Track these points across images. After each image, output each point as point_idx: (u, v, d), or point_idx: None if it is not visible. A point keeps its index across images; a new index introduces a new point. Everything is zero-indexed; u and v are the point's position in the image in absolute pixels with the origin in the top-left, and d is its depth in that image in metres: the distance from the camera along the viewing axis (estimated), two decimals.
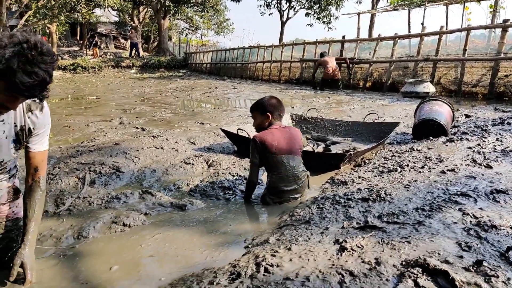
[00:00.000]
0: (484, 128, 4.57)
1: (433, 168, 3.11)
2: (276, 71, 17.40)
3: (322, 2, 27.20)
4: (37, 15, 20.55)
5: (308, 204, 2.72)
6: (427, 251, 1.66)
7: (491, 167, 2.96)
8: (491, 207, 2.18)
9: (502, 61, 9.03)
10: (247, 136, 4.27)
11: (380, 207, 2.36)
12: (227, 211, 2.84)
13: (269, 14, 31.64)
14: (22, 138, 1.81)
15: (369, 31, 23.99)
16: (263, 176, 3.41)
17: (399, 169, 3.27)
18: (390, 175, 3.18)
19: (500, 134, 4.16)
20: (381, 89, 11.75)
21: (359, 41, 14.38)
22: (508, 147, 3.54)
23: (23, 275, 1.77)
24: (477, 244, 1.71)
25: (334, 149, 4.56)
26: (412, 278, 1.45)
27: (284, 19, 30.27)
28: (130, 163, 3.86)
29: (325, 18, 28.17)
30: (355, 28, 23.38)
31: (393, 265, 1.57)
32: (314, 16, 28.45)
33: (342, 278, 1.51)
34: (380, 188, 2.72)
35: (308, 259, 1.70)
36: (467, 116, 6.00)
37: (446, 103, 4.72)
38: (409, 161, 3.46)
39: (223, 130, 4.77)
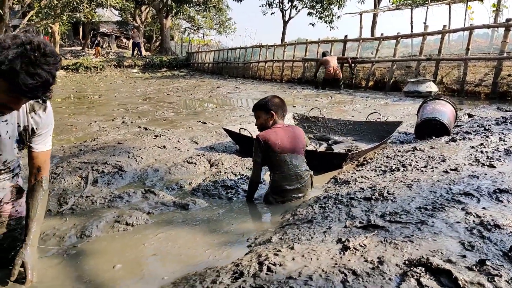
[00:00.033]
0: (487, 128, 4.56)
1: (436, 167, 3.11)
2: (278, 70, 17.39)
3: (324, 2, 27.16)
4: (40, 14, 20.58)
5: (310, 203, 2.72)
6: (430, 251, 1.65)
7: (494, 167, 2.96)
8: (494, 207, 2.18)
9: (505, 61, 9.00)
10: (250, 135, 4.28)
11: (382, 207, 2.36)
12: (229, 210, 2.84)
13: (271, 14, 31.67)
14: (25, 138, 1.81)
15: (371, 30, 23.96)
16: (265, 175, 3.41)
17: (401, 169, 3.27)
18: (392, 174, 3.18)
19: (503, 133, 4.15)
20: (383, 89, 11.73)
21: (361, 41, 14.36)
22: (511, 146, 3.53)
23: (24, 275, 1.78)
24: (480, 244, 1.70)
25: (337, 149, 4.56)
26: (415, 277, 1.45)
27: (286, 19, 30.25)
28: (133, 163, 3.87)
29: (327, 17, 28.14)
30: (357, 28, 23.34)
31: (396, 264, 1.57)
32: (316, 16, 28.42)
33: (345, 277, 1.51)
34: (382, 187, 2.72)
35: (311, 258, 1.70)
36: (469, 115, 5.98)
37: (449, 103, 4.71)
38: (411, 160, 3.45)
39: (225, 130, 4.78)
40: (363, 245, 1.77)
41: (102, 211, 2.74)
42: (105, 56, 28.25)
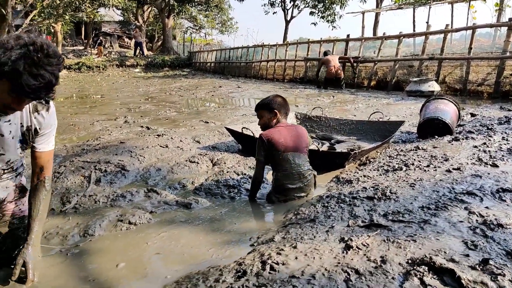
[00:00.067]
0: (489, 127, 4.55)
1: (439, 167, 3.11)
2: (280, 70, 17.38)
3: (327, 1, 27.12)
4: (42, 14, 20.61)
5: (313, 202, 2.72)
6: (433, 250, 1.65)
7: (497, 166, 2.95)
8: (497, 206, 2.18)
9: (508, 60, 8.97)
10: (252, 134, 4.28)
11: (385, 206, 2.36)
12: (232, 209, 2.85)
13: (273, 13, 31.84)
14: (28, 138, 1.82)
15: (374, 29, 23.93)
16: (268, 175, 3.41)
17: (404, 168, 3.27)
18: (395, 173, 3.18)
19: (506, 133, 4.14)
20: (385, 88, 11.70)
21: (363, 40, 14.34)
22: None
23: (26, 274, 1.79)
24: (483, 243, 1.70)
25: (339, 148, 4.56)
26: (418, 276, 1.45)
27: (288, 18, 30.23)
28: (135, 162, 3.88)
29: (329, 17, 28.10)
30: (359, 27, 23.38)
31: (399, 264, 1.57)
32: (319, 15, 28.39)
33: (348, 276, 1.52)
34: (385, 186, 2.71)
35: (314, 257, 1.70)
36: (472, 115, 5.97)
37: (452, 102, 4.70)
38: (414, 159, 3.45)
39: (227, 129, 4.78)
40: (366, 244, 1.77)
41: (105, 210, 2.75)
42: (107, 55, 28.29)
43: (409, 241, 1.76)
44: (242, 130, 4.50)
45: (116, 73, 23.15)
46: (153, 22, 36.18)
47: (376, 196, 2.55)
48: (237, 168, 3.74)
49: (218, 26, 38.41)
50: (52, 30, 25.41)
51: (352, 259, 1.65)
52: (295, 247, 1.82)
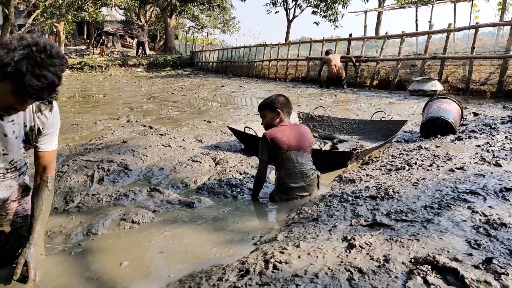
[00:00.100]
0: (492, 126, 4.53)
1: (442, 166, 3.10)
2: (282, 69, 17.38)
3: (329, 0, 27.10)
4: (45, 14, 20.68)
5: (316, 201, 2.72)
6: (436, 249, 1.65)
7: (500, 165, 2.95)
8: (500, 205, 2.17)
9: (511, 59, 8.95)
10: (254, 134, 4.28)
11: (388, 205, 2.36)
12: (235, 208, 2.85)
13: (275, 13, 31.70)
14: (31, 138, 1.82)
15: (376, 29, 23.87)
16: (270, 174, 3.41)
17: (407, 167, 3.26)
18: (398, 173, 3.17)
19: (509, 132, 4.13)
20: (388, 87, 11.69)
21: (366, 39, 14.31)
22: None
23: (27, 274, 1.79)
24: (486, 242, 1.70)
25: (341, 147, 4.55)
26: (422, 275, 1.46)
27: (291, 17, 30.20)
28: (138, 161, 3.89)
29: (331, 16, 28.07)
30: (362, 26, 23.27)
31: (402, 263, 1.57)
32: (321, 14, 28.36)
33: (351, 275, 1.52)
34: (388, 186, 2.71)
35: (317, 256, 1.70)
36: (475, 114, 5.95)
37: (455, 101, 4.69)
38: (417, 159, 3.45)
39: (230, 128, 4.78)
40: (369, 243, 1.77)
41: (108, 209, 2.75)
42: (109, 55, 28.35)
43: (412, 240, 1.76)
44: (244, 130, 4.50)
45: (119, 73, 23.20)
46: (155, 22, 36.23)
47: (379, 195, 2.55)
48: (239, 167, 3.74)
49: (220, 26, 38.45)
50: (55, 30, 25.47)
51: (355, 258, 1.65)
52: (298, 246, 1.83)
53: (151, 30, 36.11)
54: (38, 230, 1.87)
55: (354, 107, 7.92)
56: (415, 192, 2.52)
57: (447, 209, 2.15)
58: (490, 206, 2.15)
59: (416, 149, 3.84)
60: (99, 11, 26.93)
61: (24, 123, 1.77)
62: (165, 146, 4.43)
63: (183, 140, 4.80)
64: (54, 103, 1.84)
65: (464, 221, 1.98)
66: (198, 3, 31.71)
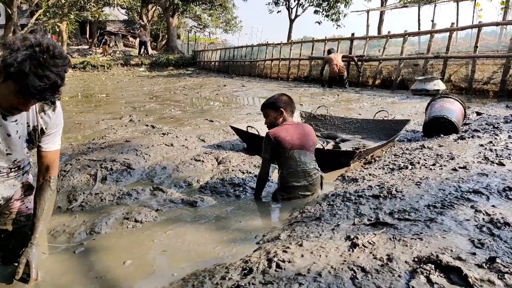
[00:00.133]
0: (495, 126, 4.52)
1: (444, 165, 3.10)
2: (284, 69, 17.35)
3: (331, 0, 27.05)
4: (47, 13, 20.72)
5: (318, 201, 2.72)
6: (439, 248, 1.65)
7: (503, 165, 2.94)
8: (503, 205, 2.17)
9: None
10: (257, 133, 4.28)
11: (391, 204, 2.36)
12: (237, 207, 2.85)
13: (277, 12, 31.55)
14: (34, 137, 1.83)
15: (378, 28, 23.84)
16: (273, 174, 3.41)
17: (410, 167, 3.26)
18: (400, 172, 3.17)
19: None
20: (390, 87, 11.66)
21: (368, 39, 14.28)
22: None
23: (29, 273, 1.80)
24: (490, 241, 1.70)
25: (344, 147, 4.55)
26: (425, 274, 1.45)
27: (293, 17, 30.16)
28: (141, 160, 3.89)
29: (333, 15, 28.00)
30: (364, 26, 23.30)
31: (405, 262, 1.57)
32: (323, 14, 28.29)
33: (354, 274, 1.52)
34: (391, 185, 2.71)
35: (320, 255, 1.70)
36: (478, 113, 5.94)
37: (458, 101, 4.68)
38: (420, 158, 3.44)
39: (232, 128, 4.78)
40: (372, 242, 1.77)
41: (111, 208, 2.76)
42: (112, 54, 28.37)
43: (416, 239, 1.76)
44: (247, 129, 4.50)
45: (121, 72, 23.23)
46: (157, 21, 36.25)
47: (381, 194, 2.54)
48: (242, 166, 3.74)
49: (222, 25, 38.42)
50: (57, 30, 25.50)
51: (358, 257, 1.65)
52: (301, 245, 1.83)
53: (153, 29, 36.14)
54: (40, 229, 1.88)
55: (357, 107, 7.91)
56: (418, 191, 2.52)
57: (450, 208, 2.15)
58: (493, 205, 2.15)
59: (419, 148, 3.83)
60: (102, 11, 26.93)
61: (27, 123, 1.78)
62: (168, 146, 4.44)
63: (186, 139, 4.81)
64: (57, 103, 1.84)
65: (468, 220, 1.97)
66: (200, 2, 31.71)
